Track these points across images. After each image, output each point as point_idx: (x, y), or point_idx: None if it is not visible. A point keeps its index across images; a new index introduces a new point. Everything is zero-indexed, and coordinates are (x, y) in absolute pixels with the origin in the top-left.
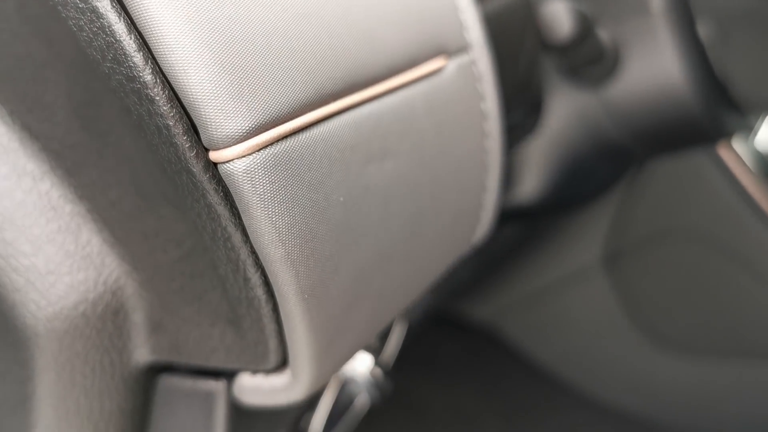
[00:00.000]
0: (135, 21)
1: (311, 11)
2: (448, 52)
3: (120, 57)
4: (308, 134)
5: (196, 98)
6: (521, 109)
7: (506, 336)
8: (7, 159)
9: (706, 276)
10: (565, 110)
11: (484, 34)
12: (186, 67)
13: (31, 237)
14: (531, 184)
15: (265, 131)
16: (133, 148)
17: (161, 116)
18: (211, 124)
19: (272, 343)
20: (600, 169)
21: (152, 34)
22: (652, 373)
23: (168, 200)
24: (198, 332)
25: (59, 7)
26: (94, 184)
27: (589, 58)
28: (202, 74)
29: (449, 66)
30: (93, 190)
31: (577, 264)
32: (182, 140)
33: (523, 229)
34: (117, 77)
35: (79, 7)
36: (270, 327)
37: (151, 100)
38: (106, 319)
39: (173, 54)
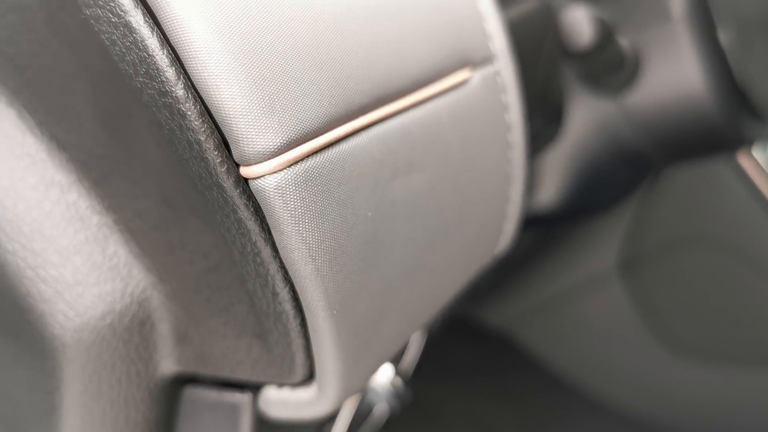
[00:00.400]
0: (168, 36)
1: (340, 24)
2: (473, 63)
3: (152, 72)
4: (338, 149)
5: (228, 114)
6: (542, 117)
7: (522, 342)
8: (35, 169)
9: (724, 283)
10: (584, 118)
11: (507, 44)
12: (218, 83)
13: (59, 247)
14: (549, 192)
15: (296, 147)
16: (161, 161)
17: (192, 131)
18: (242, 140)
19: (299, 358)
20: (618, 177)
21: (185, 49)
22: (668, 380)
23: (196, 213)
24: (224, 344)
25: (91, 21)
26: (120, 195)
27: (609, 65)
28: (234, 90)
29: (474, 77)
30: (120, 200)
31: (593, 270)
32: (213, 155)
33: (539, 235)
34: (149, 92)
35: (111, 22)
36: (297, 342)
37: (183, 115)
38: (132, 330)
39: (206, 69)
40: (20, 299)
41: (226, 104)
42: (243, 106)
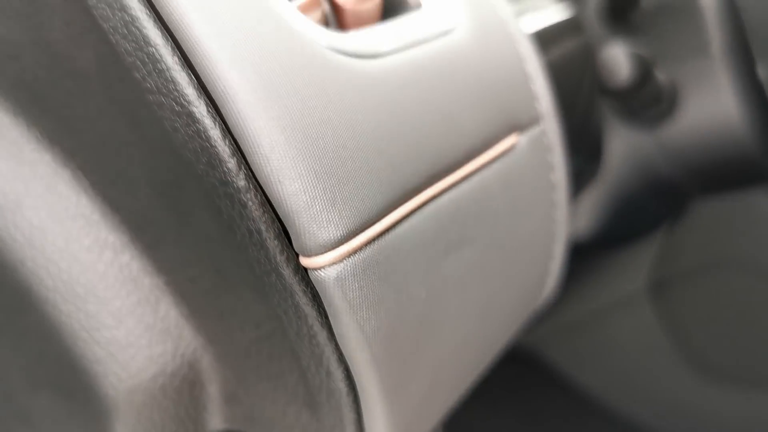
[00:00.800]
0: (230, 128)
1: (396, 105)
2: (520, 127)
3: (214, 161)
4: (393, 234)
5: (291, 209)
6: (581, 154)
7: (550, 361)
8: (90, 231)
9: (755, 307)
10: (620, 150)
11: (553, 103)
12: (281, 178)
13: (112, 309)
14: (583, 222)
15: (355, 236)
16: (217, 239)
17: (253, 220)
18: (304, 233)
19: (350, 430)
20: (653, 208)
21: (248, 142)
22: (698, 403)
23: (250, 286)
24: (273, 408)
25: (154, 107)
26: (173, 259)
27: (647, 100)
28: (296, 185)
29: (521, 142)
30: (172, 264)
31: (623, 291)
32: (273, 244)
33: (570, 260)
34: (210, 180)
35: (175, 110)
36: (349, 416)
37: (244, 205)
38: (183, 391)
39: (269, 164)
40: (74, 360)
41: (289, 199)
42: (305, 201)
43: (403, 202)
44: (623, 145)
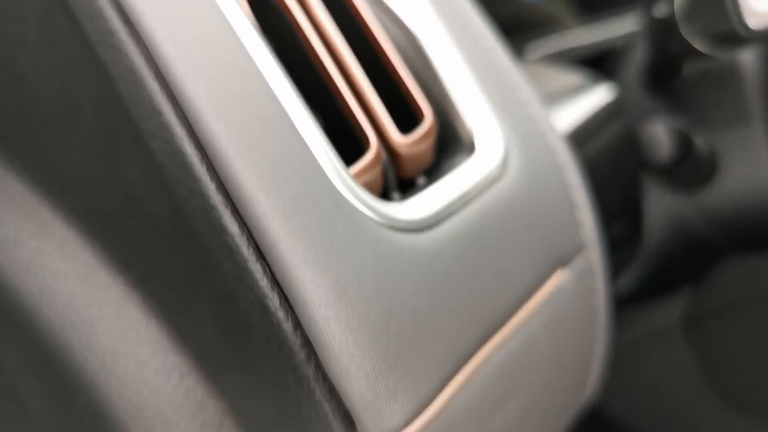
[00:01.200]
0: (302, 323)
1: (453, 280)
2: (564, 261)
3: (286, 351)
4: (448, 410)
5: (356, 404)
6: (621, 230)
7: None
8: (159, 355)
9: None
10: (659, 215)
11: (597, 230)
12: (349, 377)
13: None
14: (621, 280)
15: (413, 421)
16: (284, 401)
17: (320, 404)
18: (367, 424)
19: None
20: (688, 267)
21: (320, 343)
22: None
23: None
24: None
25: (228, 287)
26: (236, 387)
27: (687, 171)
28: (362, 384)
29: (566, 279)
30: (236, 391)
31: (655, 324)
32: (338, 424)
33: None
34: (280, 363)
35: (248, 298)
36: None
37: (312, 391)
38: None
39: (338, 365)
40: None
41: (355, 397)
42: (370, 398)
43: (456, 373)
44: (662, 210)
